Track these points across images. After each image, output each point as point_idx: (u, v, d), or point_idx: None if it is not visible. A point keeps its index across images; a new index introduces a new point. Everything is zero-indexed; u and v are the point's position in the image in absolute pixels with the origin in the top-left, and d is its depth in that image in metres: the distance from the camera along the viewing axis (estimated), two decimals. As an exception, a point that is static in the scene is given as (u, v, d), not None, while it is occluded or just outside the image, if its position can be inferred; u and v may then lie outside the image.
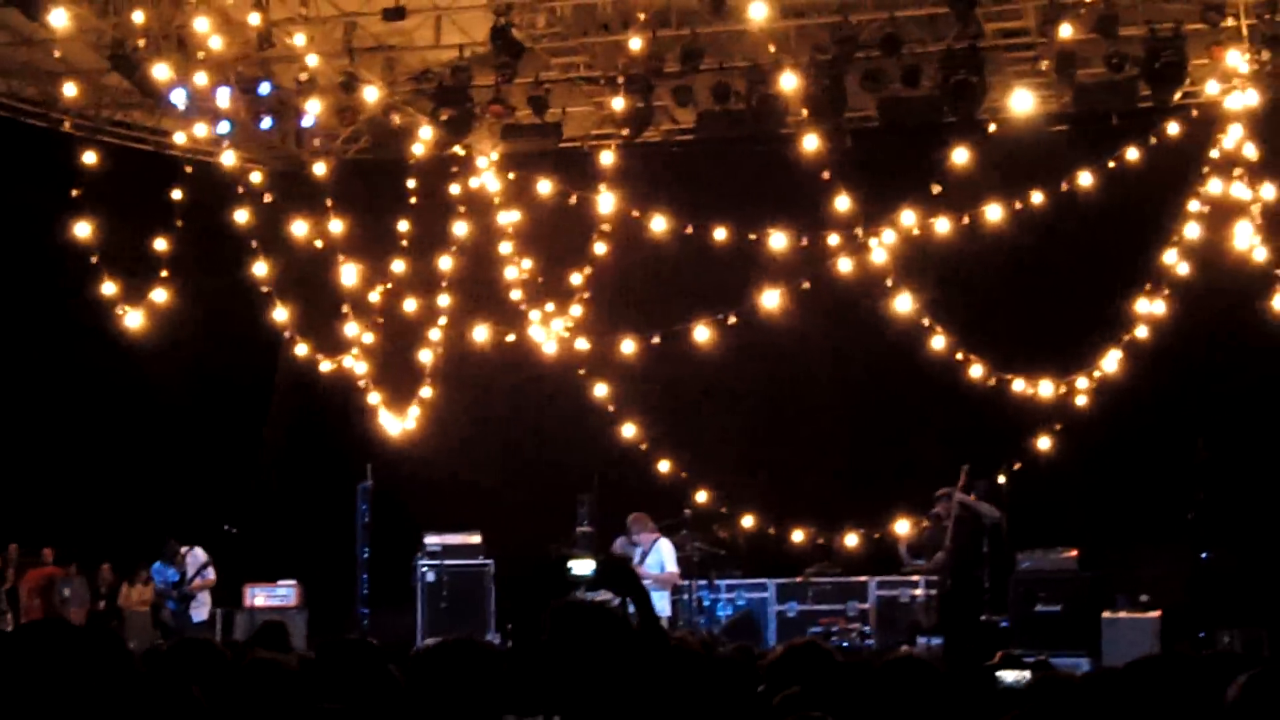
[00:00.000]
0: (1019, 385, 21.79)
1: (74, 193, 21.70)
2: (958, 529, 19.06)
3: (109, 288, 22.28)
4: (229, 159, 22.20)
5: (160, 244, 22.32)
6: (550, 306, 22.91)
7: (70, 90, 20.99)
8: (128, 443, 22.29)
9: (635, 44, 20.11)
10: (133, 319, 22.30)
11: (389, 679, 6.47)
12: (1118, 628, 18.88)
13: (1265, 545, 19.33)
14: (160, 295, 22.37)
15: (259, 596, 20.75)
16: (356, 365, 22.98)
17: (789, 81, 20.09)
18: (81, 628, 7.50)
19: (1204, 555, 18.24)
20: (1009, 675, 6.91)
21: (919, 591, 20.37)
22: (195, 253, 22.48)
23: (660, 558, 18.87)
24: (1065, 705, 6.85)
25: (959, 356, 21.84)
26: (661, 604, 18.04)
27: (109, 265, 22.22)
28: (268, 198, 22.93)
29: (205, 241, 22.62)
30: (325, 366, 22.99)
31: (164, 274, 22.38)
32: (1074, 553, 19.95)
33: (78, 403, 22.24)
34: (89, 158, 21.69)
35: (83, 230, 21.76)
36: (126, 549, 22.78)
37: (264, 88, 20.47)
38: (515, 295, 23.03)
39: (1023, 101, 20.85)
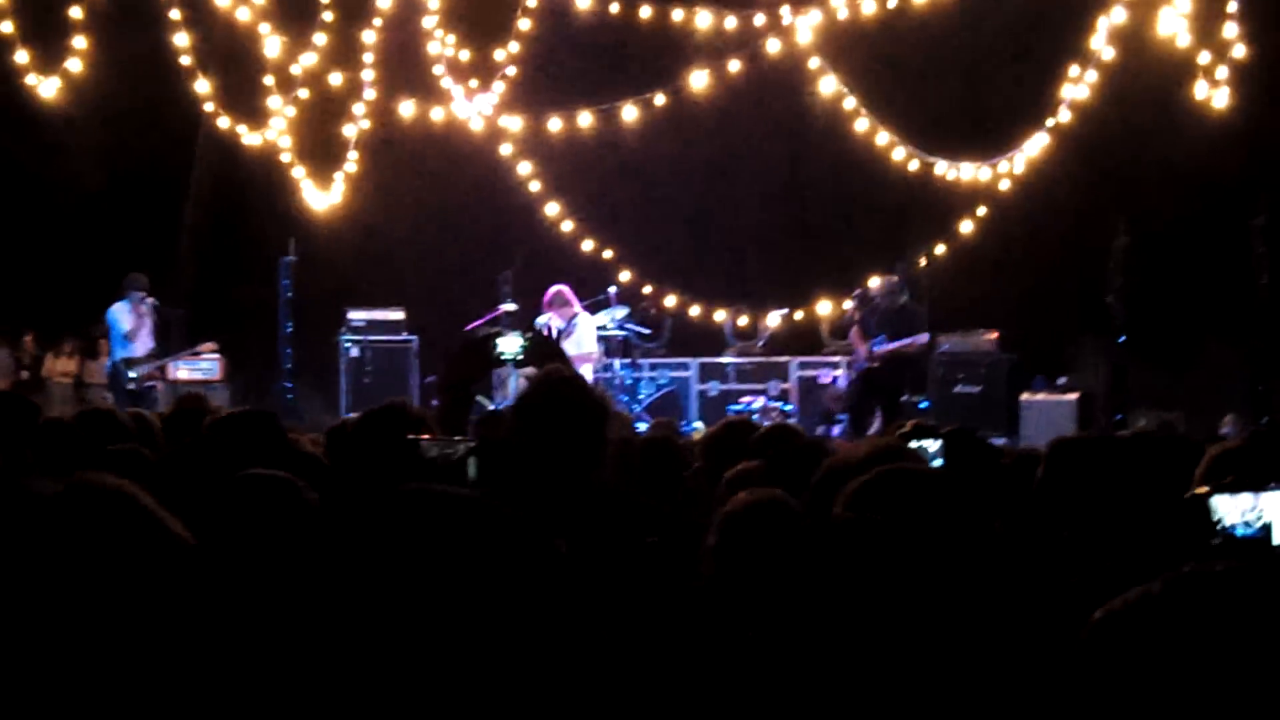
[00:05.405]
0: (942, 168, 21.87)
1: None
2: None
3: (22, 55, 21.76)
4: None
5: (75, 11, 21.71)
6: (474, 83, 22.59)
7: None
8: (45, 214, 21.97)
9: None
10: (47, 88, 21.81)
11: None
12: (1035, 409, 19.20)
13: (1182, 330, 19.66)
14: (75, 65, 21.84)
15: (182, 369, 20.57)
16: (280, 139, 22.61)
17: None
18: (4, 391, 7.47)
19: (1121, 339, 18.49)
20: (925, 444, 6.75)
21: (840, 372, 20.62)
22: (113, 21, 21.88)
23: (579, 335, 18.87)
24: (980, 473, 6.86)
25: (883, 140, 21.88)
26: (585, 381, 18.00)
27: (22, 32, 21.68)
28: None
29: (124, 9, 22.00)
30: (249, 139, 22.59)
31: (80, 42, 21.81)
32: (994, 335, 20.20)
33: (-8, 173, 21.85)
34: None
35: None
36: (48, 319, 22.64)
37: None
38: (439, 71, 22.65)
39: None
